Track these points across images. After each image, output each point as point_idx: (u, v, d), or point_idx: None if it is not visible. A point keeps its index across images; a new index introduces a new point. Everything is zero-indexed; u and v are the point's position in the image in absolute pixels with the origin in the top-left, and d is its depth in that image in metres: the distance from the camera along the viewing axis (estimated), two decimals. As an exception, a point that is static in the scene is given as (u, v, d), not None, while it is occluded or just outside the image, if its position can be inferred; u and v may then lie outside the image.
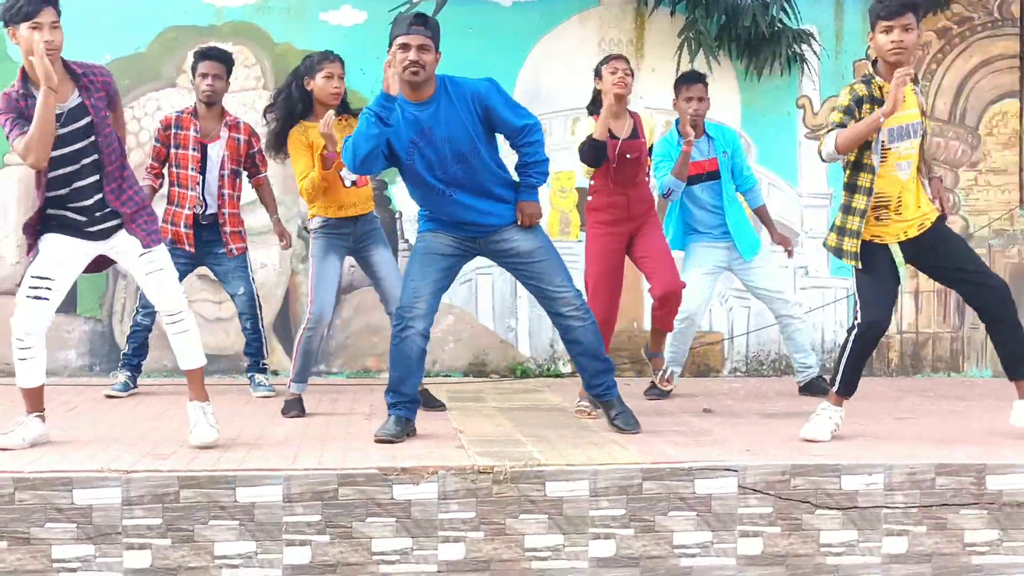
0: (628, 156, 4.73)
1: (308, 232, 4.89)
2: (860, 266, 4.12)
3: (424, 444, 4.06)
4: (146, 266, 3.92)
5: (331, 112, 4.53)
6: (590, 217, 4.89)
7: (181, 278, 4.68)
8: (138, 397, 5.32)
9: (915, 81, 4.20)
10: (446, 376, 6.13)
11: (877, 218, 4.15)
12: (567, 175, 6.22)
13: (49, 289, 3.88)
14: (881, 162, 4.09)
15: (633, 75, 4.78)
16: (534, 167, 4.20)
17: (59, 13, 3.78)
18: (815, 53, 6.32)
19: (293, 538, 3.55)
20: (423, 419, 4.37)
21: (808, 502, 3.72)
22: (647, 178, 4.88)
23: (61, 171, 3.83)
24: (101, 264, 4.05)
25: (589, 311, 4.28)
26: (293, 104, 4.67)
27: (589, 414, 4.73)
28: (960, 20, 6.47)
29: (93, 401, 5.16)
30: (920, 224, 4.17)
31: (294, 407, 4.78)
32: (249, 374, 5.50)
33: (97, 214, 3.89)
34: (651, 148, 4.92)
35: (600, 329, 4.38)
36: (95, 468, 3.57)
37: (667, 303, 4.83)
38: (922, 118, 4.16)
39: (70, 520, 3.47)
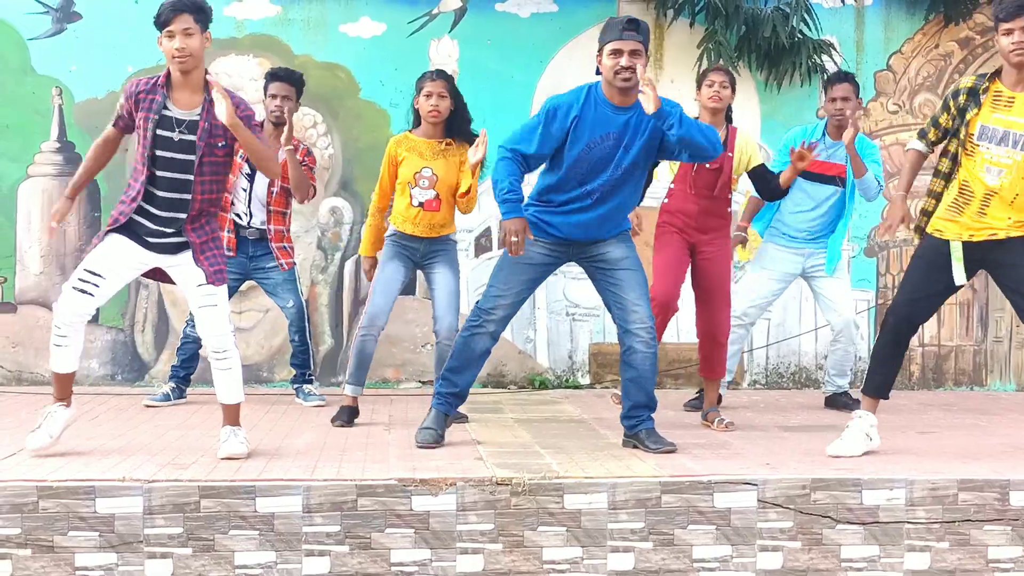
0: (708, 165, 4.70)
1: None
2: (916, 240, 4.19)
3: (443, 455, 4.06)
4: (202, 299, 3.94)
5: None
6: (660, 217, 4.89)
7: (231, 293, 4.71)
8: (160, 407, 5.35)
9: None
10: (465, 387, 6.12)
11: (951, 204, 4.06)
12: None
13: (96, 286, 3.91)
14: (967, 156, 4.03)
15: (732, 88, 4.80)
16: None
17: (199, 20, 3.81)
18: (836, 64, 6.30)
19: (312, 548, 3.56)
20: (442, 430, 4.37)
21: (829, 516, 3.70)
22: (728, 195, 4.81)
23: (155, 170, 3.87)
24: (160, 276, 4.07)
25: (656, 341, 4.20)
26: (412, 124, 4.88)
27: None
28: (983, 31, 6.43)
29: (116, 410, 5.19)
30: (992, 232, 4.02)
31: (342, 416, 4.79)
32: (295, 385, 5.52)
33: (167, 229, 3.91)
34: (754, 168, 4.79)
35: (661, 316, 4.48)
36: (117, 477, 3.60)
37: (706, 342, 4.81)
38: None
39: (93, 528, 3.50)
